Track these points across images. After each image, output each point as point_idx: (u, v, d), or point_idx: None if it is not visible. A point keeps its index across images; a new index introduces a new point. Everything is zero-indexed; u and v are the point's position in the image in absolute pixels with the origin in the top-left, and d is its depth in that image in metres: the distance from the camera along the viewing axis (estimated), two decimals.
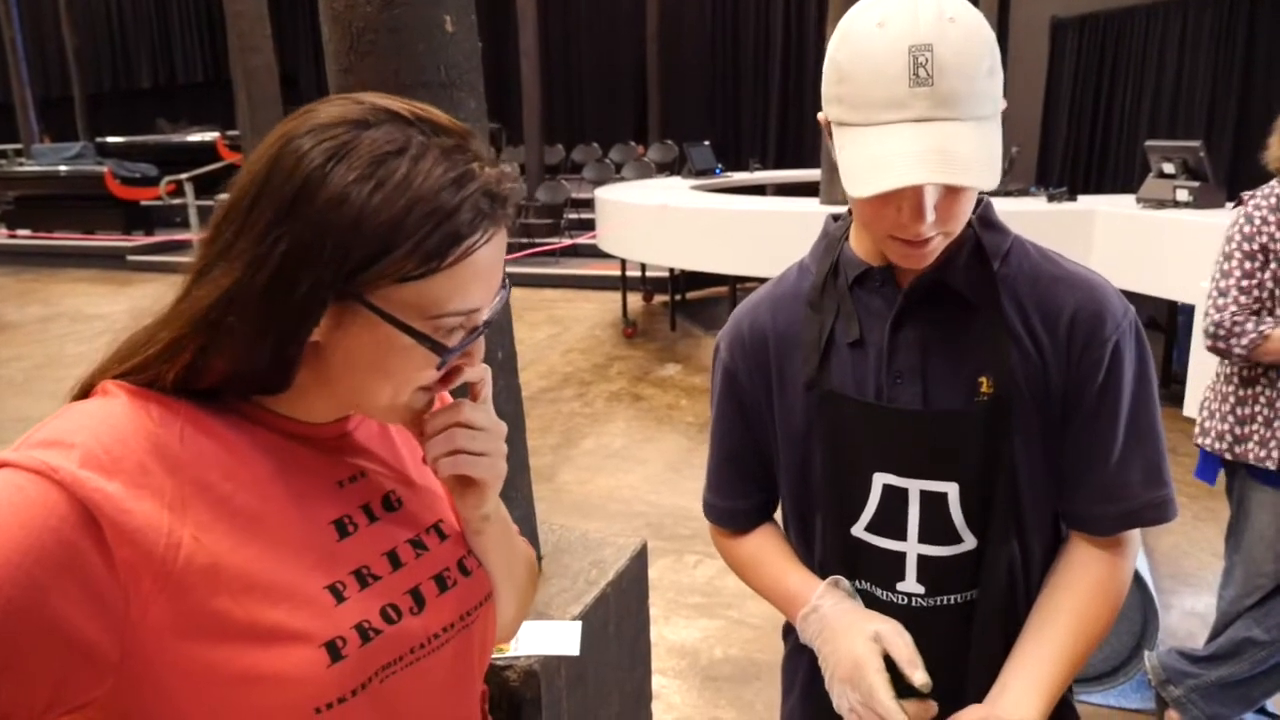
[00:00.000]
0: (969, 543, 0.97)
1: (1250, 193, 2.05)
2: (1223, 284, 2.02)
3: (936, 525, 0.97)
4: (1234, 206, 2.08)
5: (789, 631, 1.10)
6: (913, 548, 0.98)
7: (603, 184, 8.88)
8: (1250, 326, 1.96)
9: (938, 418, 0.95)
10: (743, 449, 1.10)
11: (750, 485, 1.12)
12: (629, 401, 5.46)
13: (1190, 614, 2.98)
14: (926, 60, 0.80)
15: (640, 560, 1.81)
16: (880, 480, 0.98)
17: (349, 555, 0.71)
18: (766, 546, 1.11)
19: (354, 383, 0.69)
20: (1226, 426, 2.09)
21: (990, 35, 0.83)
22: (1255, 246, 1.98)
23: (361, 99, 0.67)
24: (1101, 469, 0.96)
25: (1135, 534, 1.00)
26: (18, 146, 14.59)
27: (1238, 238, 2.02)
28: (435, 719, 0.76)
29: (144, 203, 12.03)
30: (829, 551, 1.03)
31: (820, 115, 0.94)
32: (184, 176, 11.09)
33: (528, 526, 1.65)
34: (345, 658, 0.66)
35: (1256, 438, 2.03)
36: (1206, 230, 4.01)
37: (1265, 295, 1.99)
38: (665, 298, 7.59)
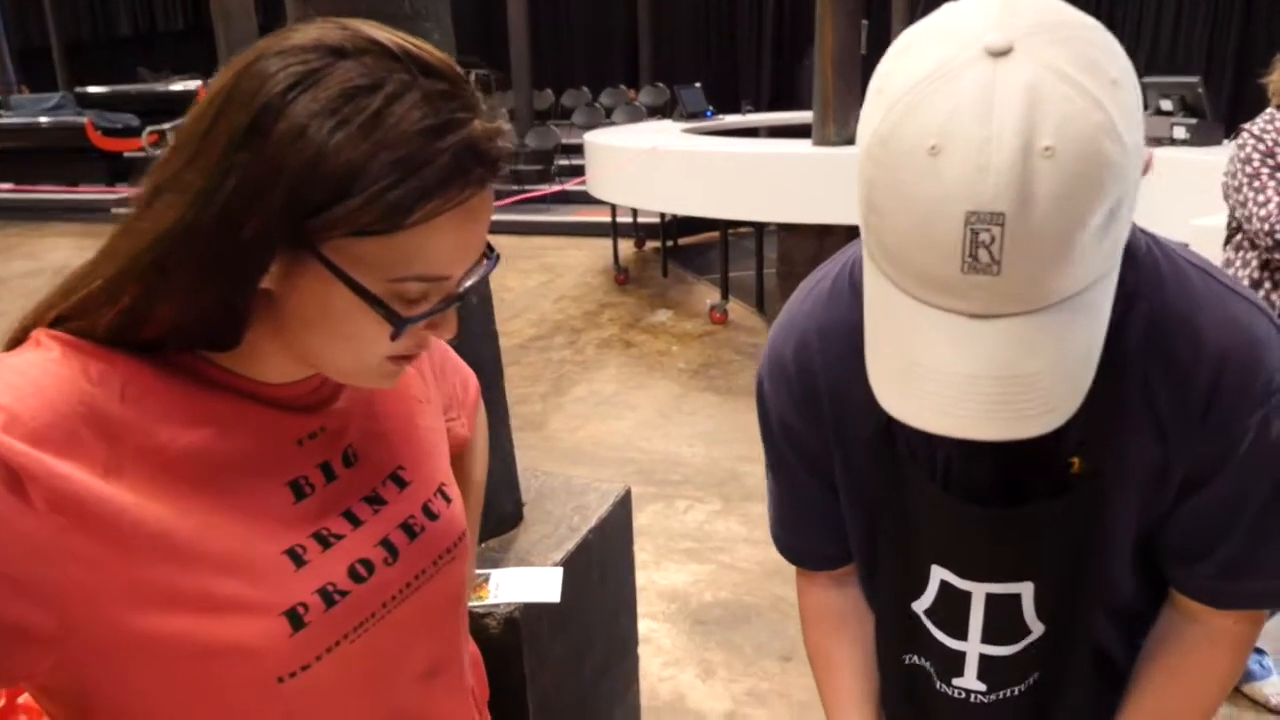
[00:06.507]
0: (1036, 632, 0.82)
1: (1250, 122, 2.03)
2: (1260, 197, 1.98)
3: (1004, 625, 0.82)
4: (1233, 138, 2.05)
5: None
6: (974, 648, 0.84)
7: (593, 128, 8.73)
8: None
9: (1010, 518, 0.76)
10: (814, 493, 0.92)
11: (828, 529, 0.93)
12: (620, 348, 5.43)
13: None
14: (992, 240, 0.54)
15: (624, 506, 1.79)
16: (938, 575, 0.82)
17: (307, 517, 0.67)
18: (841, 654, 0.96)
19: (309, 342, 0.63)
20: None
21: (1122, 155, 0.55)
22: (1277, 160, 1.97)
23: (347, 24, 0.59)
24: (1231, 546, 0.77)
25: (1261, 615, 0.83)
26: None
27: (1257, 157, 2.00)
28: (411, 667, 0.74)
29: (127, 154, 11.83)
30: (890, 621, 0.90)
31: None
32: (167, 126, 10.88)
33: (508, 477, 1.62)
34: (308, 625, 0.63)
35: None
36: (1204, 168, 3.94)
37: None
38: (657, 244, 7.52)
